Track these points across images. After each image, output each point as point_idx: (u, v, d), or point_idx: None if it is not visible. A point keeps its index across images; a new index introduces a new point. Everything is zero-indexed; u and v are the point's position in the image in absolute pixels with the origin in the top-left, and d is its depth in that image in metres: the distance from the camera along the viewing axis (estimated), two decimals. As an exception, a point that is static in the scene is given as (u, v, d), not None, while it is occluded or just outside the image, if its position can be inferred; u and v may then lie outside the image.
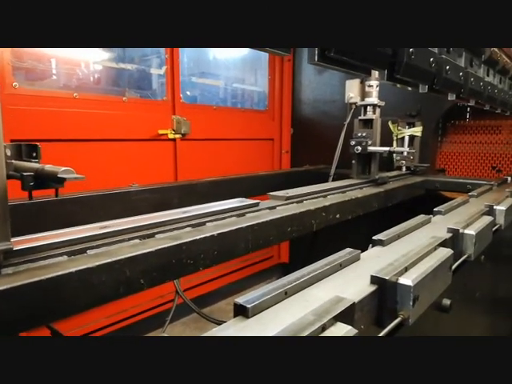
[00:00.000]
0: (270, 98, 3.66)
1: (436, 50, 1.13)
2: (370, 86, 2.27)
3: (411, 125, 2.74)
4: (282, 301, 0.71)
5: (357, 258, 0.95)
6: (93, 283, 0.89)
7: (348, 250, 0.97)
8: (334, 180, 2.37)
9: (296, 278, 0.77)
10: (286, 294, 0.73)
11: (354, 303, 0.67)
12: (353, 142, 2.20)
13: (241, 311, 0.66)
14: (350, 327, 0.62)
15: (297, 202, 1.64)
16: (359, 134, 2.18)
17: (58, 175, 0.78)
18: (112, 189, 1.83)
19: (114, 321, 2.48)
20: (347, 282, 0.82)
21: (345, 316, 0.65)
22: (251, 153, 3.45)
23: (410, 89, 1.41)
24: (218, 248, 1.20)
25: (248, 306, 0.65)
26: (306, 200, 1.69)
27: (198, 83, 3.37)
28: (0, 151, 0.78)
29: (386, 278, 0.78)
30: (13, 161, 0.85)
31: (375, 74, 2.24)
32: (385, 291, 0.78)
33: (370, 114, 2.26)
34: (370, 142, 2.15)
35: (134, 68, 2.71)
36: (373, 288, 0.78)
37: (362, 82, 2.34)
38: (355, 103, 2.32)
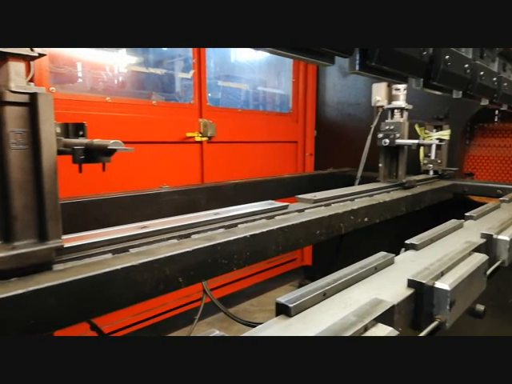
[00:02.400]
0: (294, 100, 3.68)
1: (470, 55, 1.13)
2: (397, 89, 2.26)
3: (439, 128, 2.71)
4: (321, 301, 0.74)
5: (391, 262, 0.97)
6: (136, 280, 0.93)
7: (382, 253, 0.98)
8: (360, 183, 2.37)
9: (333, 280, 0.79)
10: (325, 296, 0.75)
11: (393, 305, 0.69)
12: (380, 135, 2.19)
13: (283, 310, 0.69)
14: (391, 328, 0.64)
15: (325, 205, 1.65)
16: (387, 127, 2.17)
17: (109, 147, 0.83)
18: (143, 190, 1.89)
19: (142, 319, 2.55)
20: (383, 285, 0.83)
21: (385, 318, 0.66)
22: (275, 155, 3.48)
23: (437, 93, 1.41)
24: (250, 249, 1.23)
25: (290, 305, 0.68)
26: (333, 203, 1.71)
27: (223, 86, 3.42)
28: (51, 128, 0.83)
29: (423, 281, 0.79)
30: (62, 138, 0.91)
31: (403, 77, 2.23)
32: (422, 295, 0.79)
33: (397, 118, 2.25)
34: (398, 135, 2.13)
35: (162, 72, 2.78)
36: (410, 291, 0.79)
37: (389, 86, 2.34)
38: (382, 106, 2.32)
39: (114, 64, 2.61)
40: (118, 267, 0.90)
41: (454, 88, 1.19)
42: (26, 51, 0.81)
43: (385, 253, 0.98)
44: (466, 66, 1.08)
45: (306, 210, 1.55)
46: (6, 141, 0.81)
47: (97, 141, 0.87)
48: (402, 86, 2.23)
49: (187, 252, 1.05)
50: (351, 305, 0.72)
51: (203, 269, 1.10)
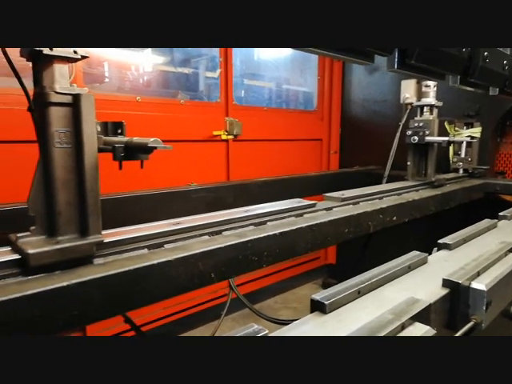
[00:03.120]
0: (319, 98, 3.66)
1: (508, 51, 1.10)
2: (427, 86, 2.22)
3: (469, 125, 2.63)
4: (355, 299, 0.74)
5: (424, 261, 0.96)
6: (171, 275, 0.96)
7: (415, 252, 0.98)
8: (387, 182, 2.34)
9: (367, 278, 0.80)
10: (359, 293, 0.76)
11: (430, 304, 0.69)
12: (409, 132, 2.15)
13: (318, 307, 0.69)
14: (428, 327, 0.64)
15: (353, 204, 1.65)
16: (416, 125, 2.14)
17: (149, 145, 0.86)
18: (173, 187, 1.93)
19: (170, 312, 2.61)
20: (418, 284, 0.83)
21: (421, 317, 0.67)
22: (299, 153, 3.47)
23: (471, 89, 1.38)
24: (280, 246, 1.25)
25: (325, 302, 0.69)
26: (361, 202, 1.70)
27: (248, 84, 3.44)
28: (92, 127, 0.87)
29: (459, 281, 0.78)
30: (102, 136, 0.94)
31: (433, 73, 2.19)
32: (457, 295, 0.79)
33: (426, 115, 2.21)
34: (427, 132, 2.09)
35: (190, 72, 2.82)
36: (445, 291, 0.78)
37: (419, 82, 2.30)
38: (411, 103, 2.28)
39: (141, 64, 2.67)
40: (155, 262, 0.93)
41: (491, 85, 1.16)
42: (69, 53, 0.84)
43: (418, 252, 0.98)
44: (505, 62, 1.06)
45: (334, 209, 1.55)
46: (50, 140, 0.85)
47: (136, 139, 0.90)
48: (432, 83, 2.18)
49: (219, 248, 1.07)
50: (386, 303, 0.72)
51: (234, 265, 1.12)
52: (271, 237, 1.22)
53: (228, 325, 3.10)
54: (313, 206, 1.51)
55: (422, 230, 2.60)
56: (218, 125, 2.76)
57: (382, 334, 0.60)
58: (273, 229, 1.25)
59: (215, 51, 2.85)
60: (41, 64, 0.83)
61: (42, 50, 0.80)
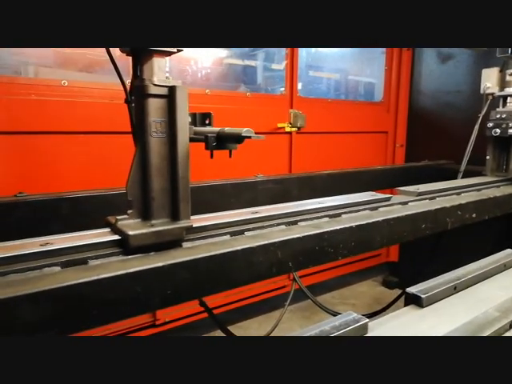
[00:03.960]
0: (386, 89, 3.53)
1: None
2: (511, 74, 2.05)
3: (559, 117, 2.40)
4: (451, 295, 0.72)
5: (521, 260, 0.90)
6: (253, 261, 0.99)
7: (509, 251, 0.92)
8: (463, 177, 2.21)
9: (463, 275, 0.77)
10: (456, 289, 0.73)
11: (539, 305, 0.65)
12: (490, 124, 2.01)
13: (414, 300, 0.68)
14: (539, 328, 0.60)
15: (429, 199, 1.58)
16: (498, 116, 1.99)
17: (242, 134, 0.89)
18: (241, 178, 1.98)
19: (231, 300, 2.68)
20: (517, 283, 0.78)
21: (530, 317, 0.63)
22: (364, 146, 3.38)
23: None
24: (355, 239, 1.23)
25: (422, 296, 0.67)
26: (438, 197, 1.62)
27: (313, 76, 3.40)
28: (185, 118, 0.91)
29: None
30: (192, 126, 0.99)
31: (520, 60, 2.02)
32: None
33: (510, 106, 2.05)
34: (511, 125, 1.94)
35: (256, 64, 2.85)
36: (551, 292, 0.73)
37: (502, 71, 2.13)
38: (493, 94, 2.12)
39: (208, 57, 2.74)
40: (238, 248, 0.96)
41: None
42: (167, 48, 0.89)
43: (513, 250, 0.92)
44: None
45: (410, 203, 1.50)
46: (148, 129, 0.91)
47: (228, 129, 0.94)
48: (518, 71, 2.02)
49: (297, 238, 1.08)
50: (484, 300, 0.69)
51: (311, 255, 1.13)
52: (347, 229, 1.20)
53: (286, 316, 3.12)
54: (388, 199, 1.47)
55: (495, 230, 2.43)
56: (283, 117, 2.77)
57: (488, 331, 0.58)
58: (348, 221, 1.24)
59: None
60: (141, 58, 0.89)
61: (143, 45, 0.86)
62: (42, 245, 0.84)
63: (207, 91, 2.41)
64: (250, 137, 0.89)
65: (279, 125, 2.72)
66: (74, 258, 0.83)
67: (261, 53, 3.02)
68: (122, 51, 0.95)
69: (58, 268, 0.80)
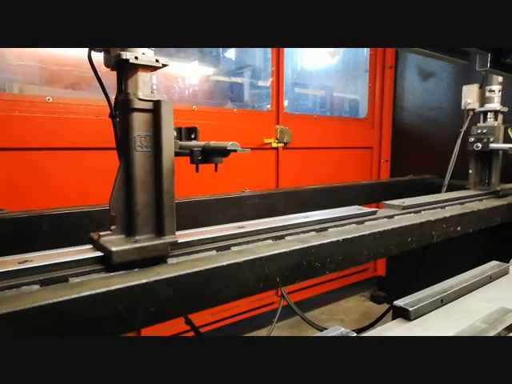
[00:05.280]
0: (370, 105, 3.60)
1: None
2: (491, 90, 2.12)
3: (536, 132, 2.47)
4: (439, 307, 0.71)
5: (505, 272, 0.91)
6: (239, 277, 0.98)
7: (495, 262, 0.93)
8: (446, 191, 2.24)
9: (449, 287, 0.77)
10: (442, 302, 0.73)
11: (525, 316, 0.65)
12: (472, 139, 2.06)
13: (402, 313, 0.67)
14: (526, 340, 0.60)
15: (414, 212, 1.59)
16: (479, 131, 2.04)
17: (228, 148, 0.88)
18: (228, 193, 1.97)
19: (218, 318, 2.63)
20: (502, 294, 0.78)
21: (516, 328, 0.63)
22: (349, 161, 3.42)
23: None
24: (342, 253, 1.23)
25: (410, 309, 0.67)
26: (423, 210, 1.64)
27: (298, 93, 3.45)
28: (171, 132, 0.90)
29: (553, 293, 0.73)
30: (178, 140, 0.98)
31: (498, 78, 2.09)
32: (551, 308, 0.73)
33: (490, 121, 2.11)
34: (491, 139, 1.99)
35: (243, 81, 2.88)
36: (536, 303, 0.74)
37: (481, 87, 2.20)
38: (473, 109, 2.18)
39: (194, 74, 2.76)
40: (224, 263, 0.94)
41: None
42: (153, 62, 0.89)
43: (498, 262, 0.93)
44: None
45: (396, 217, 1.51)
46: (132, 144, 0.90)
47: (213, 143, 0.93)
48: (496, 88, 2.08)
49: (284, 252, 1.07)
50: (472, 313, 0.69)
51: (298, 270, 1.11)
52: (334, 243, 1.20)
53: (275, 333, 3.08)
54: (374, 213, 1.48)
55: (480, 243, 2.46)
56: (269, 133, 2.79)
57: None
58: (335, 235, 1.24)
59: (264, 61, 2.89)
60: (126, 72, 0.89)
61: (128, 59, 0.85)
62: (20, 262, 0.81)
63: (194, 107, 2.42)
64: (235, 150, 0.89)
65: (266, 140, 2.74)
66: (53, 275, 0.80)
67: (247, 70, 3.07)
68: (107, 66, 0.95)
69: (37, 286, 0.77)
